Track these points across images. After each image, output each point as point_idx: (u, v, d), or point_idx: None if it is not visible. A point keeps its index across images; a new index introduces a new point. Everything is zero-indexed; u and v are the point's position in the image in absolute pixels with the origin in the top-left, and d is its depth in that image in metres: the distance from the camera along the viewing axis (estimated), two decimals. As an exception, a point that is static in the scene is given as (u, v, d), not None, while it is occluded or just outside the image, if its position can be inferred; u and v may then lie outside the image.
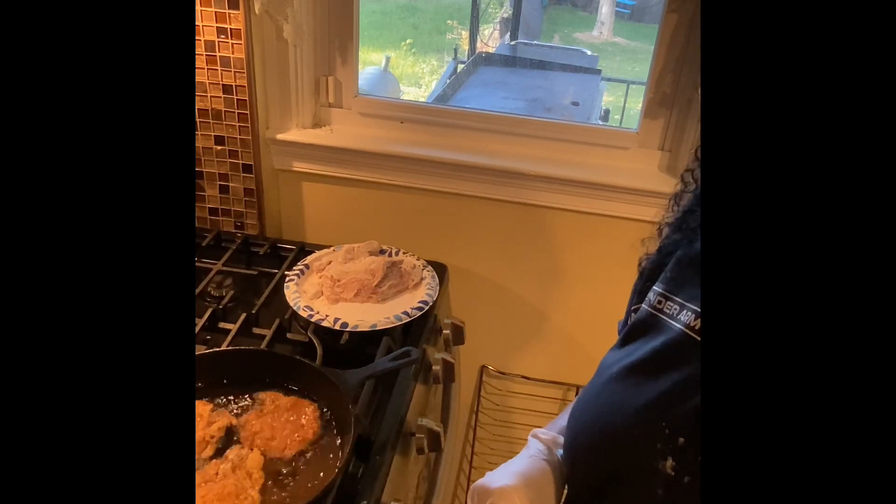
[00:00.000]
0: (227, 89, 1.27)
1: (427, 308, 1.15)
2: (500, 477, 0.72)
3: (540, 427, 0.81)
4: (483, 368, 1.58)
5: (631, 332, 0.71)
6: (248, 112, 1.29)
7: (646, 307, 0.70)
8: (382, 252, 1.27)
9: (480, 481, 0.72)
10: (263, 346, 1.06)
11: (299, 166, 1.39)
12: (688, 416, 0.59)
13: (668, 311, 0.67)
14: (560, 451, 0.76)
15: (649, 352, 0.66)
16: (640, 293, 0.75)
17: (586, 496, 0.70)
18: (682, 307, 0.65)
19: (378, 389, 1.01)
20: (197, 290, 1.19)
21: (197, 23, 1.21)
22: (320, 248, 1.30)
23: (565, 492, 0.74)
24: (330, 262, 1.24)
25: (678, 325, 0.64)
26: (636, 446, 0.62)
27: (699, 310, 0.63)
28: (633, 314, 0.75)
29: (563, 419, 0.78)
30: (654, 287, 0.71)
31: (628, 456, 0.63)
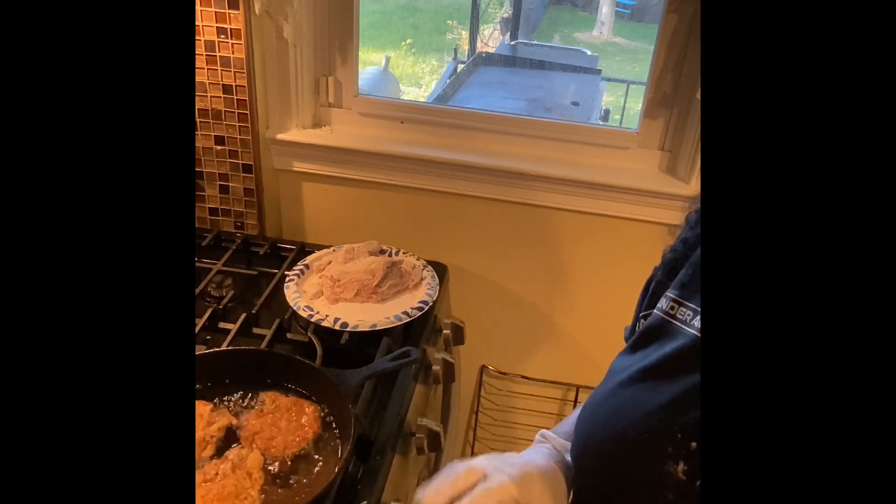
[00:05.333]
0: (227, 89, 1.27)
1: (427, 308, 1.15)
2: (519, 462, 0.70)
3: (540, 428, 0.81)
4: (483, 368, 1.58)
5: (642, 338, 0.69)
6: (248, 112, 1.29)
7: (658, 313, 0.69)
8: (382, 252, 1.27)
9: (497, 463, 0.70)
10: (263, 346, 1.06)
11: (299, 166, 1.39)
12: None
13: (680, 317, 0.66)
14: (568, 457, 0.75)
15: (661, 357, 0.64)
16: (651, 296, 0.74)
17: (594, 502, 0.69)
18: (696, 313, 0.64)
19: (378, 389, 1.02)
20: (197, 290, 1.20)
21: (197, 23, 1.21)
22: (320, 248, 1.30)
23: (571, 496, 0.73)
24: (330, 262, 1.24)
25: (691, 331, 0.63)
26: (646, 450, 0.61)
27: None
28: (641, 320, 0.74)
29: (569, 423, 0.77)
30: (667, 293, 0.69)
31: (638, 460, 0.62)
